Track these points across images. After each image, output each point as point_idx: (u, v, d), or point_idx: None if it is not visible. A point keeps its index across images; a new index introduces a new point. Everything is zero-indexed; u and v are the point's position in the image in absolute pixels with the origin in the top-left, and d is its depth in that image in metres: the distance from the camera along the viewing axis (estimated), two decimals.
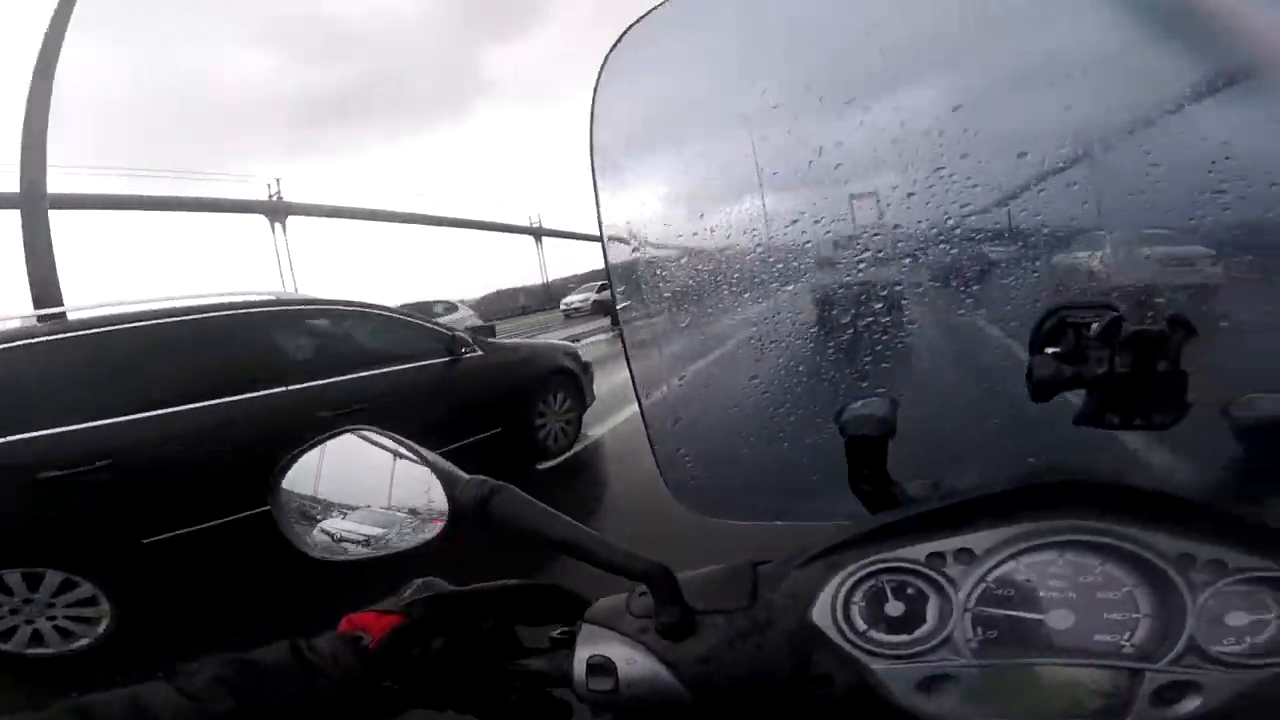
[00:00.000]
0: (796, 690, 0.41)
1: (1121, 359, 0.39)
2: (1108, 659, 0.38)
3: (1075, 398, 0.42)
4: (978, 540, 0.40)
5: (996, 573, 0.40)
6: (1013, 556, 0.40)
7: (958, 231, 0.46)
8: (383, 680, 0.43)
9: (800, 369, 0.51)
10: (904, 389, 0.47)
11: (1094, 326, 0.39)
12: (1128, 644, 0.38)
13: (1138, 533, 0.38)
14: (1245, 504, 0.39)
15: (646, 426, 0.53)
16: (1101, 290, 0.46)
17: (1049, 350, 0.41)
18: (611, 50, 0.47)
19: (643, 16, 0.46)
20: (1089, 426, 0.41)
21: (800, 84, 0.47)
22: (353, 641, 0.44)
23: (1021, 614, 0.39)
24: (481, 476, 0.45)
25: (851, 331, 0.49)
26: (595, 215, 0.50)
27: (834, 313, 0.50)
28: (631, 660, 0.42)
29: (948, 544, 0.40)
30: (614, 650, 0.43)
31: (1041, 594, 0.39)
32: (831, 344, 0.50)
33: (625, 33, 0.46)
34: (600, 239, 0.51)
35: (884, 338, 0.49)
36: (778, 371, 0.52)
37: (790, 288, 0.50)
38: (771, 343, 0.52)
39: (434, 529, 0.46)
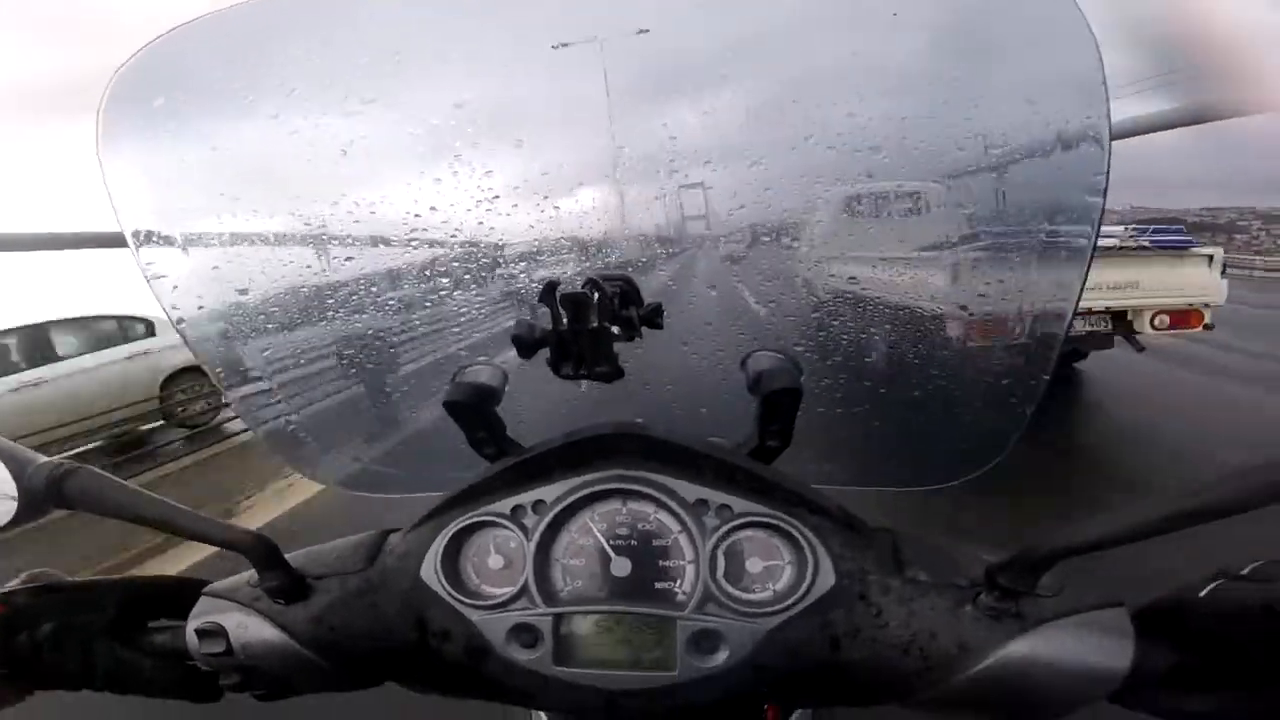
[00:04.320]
0: (422, 648, 0.43)
1: (565, 318, 0.44)
2: (656, 607, 0.40)
3: None
4: (549, 491, 0.43)
5: (569, 522, 0.42)
6: (581, 505, 0.42)
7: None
8: None
9: (406, 350, 0.54)
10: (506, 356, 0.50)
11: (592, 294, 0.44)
12: (679, 590, 0.41)
13: (664, 479, 0.42)
14: (762, 450, 0.45)
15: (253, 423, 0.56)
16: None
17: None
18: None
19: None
20: (556, 375, 0.46)
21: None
22: None
23: (589, 563, 0.42)
24: (57, 459, 0.42)
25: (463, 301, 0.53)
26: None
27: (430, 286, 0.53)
28: (243, 625, 0.42)
29: (526, 496, 0.43)
30: (225, 617, 0.43)
31: (609, 543, 0.41)
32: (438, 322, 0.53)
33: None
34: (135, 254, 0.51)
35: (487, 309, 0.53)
36: (383, 356, 0.56)
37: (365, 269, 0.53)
38: (366, 328, 0.56)
39: (7, 515, 0.42)
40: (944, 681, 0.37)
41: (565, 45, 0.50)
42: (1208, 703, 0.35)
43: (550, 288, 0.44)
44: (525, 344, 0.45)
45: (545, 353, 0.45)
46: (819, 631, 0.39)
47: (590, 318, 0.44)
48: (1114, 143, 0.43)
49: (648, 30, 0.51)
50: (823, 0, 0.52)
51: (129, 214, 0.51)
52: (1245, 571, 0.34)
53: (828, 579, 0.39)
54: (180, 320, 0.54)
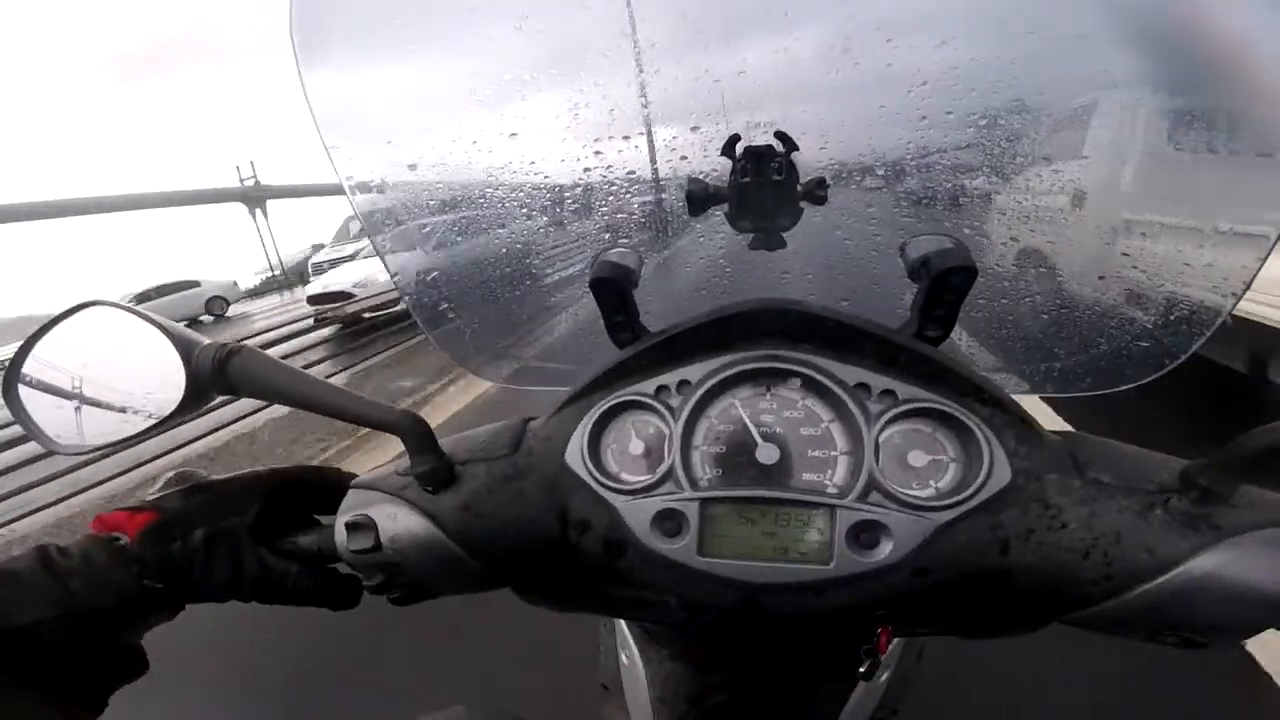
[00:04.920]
0: (561, 542, 0.41)
1: (745, 170, 0.41)
2: (809, 496, 0.37)
3: None
4: (694, 370, 0.40)
5: (712, 406, 0.40)
6: (726, 386, 0.40)
7: None
8: (144, 579, 0.41)
9: (552, 263, 0.57)
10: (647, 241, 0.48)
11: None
12: (830, 482, 0.38)
13: (822, 360, 0.39)
14: (921, 340, 0.40)
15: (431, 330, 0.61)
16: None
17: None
18: None
19: None
20: (735, 232, 0.43)
21: None
22: (107, 542, 0.41)
23: (732, 450, 0.39)
24: (221, 341, 0.43)
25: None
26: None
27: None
28: (392, 516, 0.41)
29: (670, 376, 0.41)
30: (375, 509, 0.42)
31: (755, 429, 0.39)
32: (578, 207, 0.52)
33: None
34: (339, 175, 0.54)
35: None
36: (532, 270, 0.59)
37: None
38: (518, 247, 0.59)
39: (175, 401, 0.43)
40: (1124, 592, 0.33)
41: None
42: None
43: (732, 141, 0.41)
44: (698, 200, 0.42)
45: (686, 241, 0.43)
46: (989, 533, 0.36)
47: (772, 171, 0.41)
48: None
49: None
50: None
51: (340, 161, 0.55)
52: None
53: (1002, 476, 0.36)
54: (380, 240, 0.60)
